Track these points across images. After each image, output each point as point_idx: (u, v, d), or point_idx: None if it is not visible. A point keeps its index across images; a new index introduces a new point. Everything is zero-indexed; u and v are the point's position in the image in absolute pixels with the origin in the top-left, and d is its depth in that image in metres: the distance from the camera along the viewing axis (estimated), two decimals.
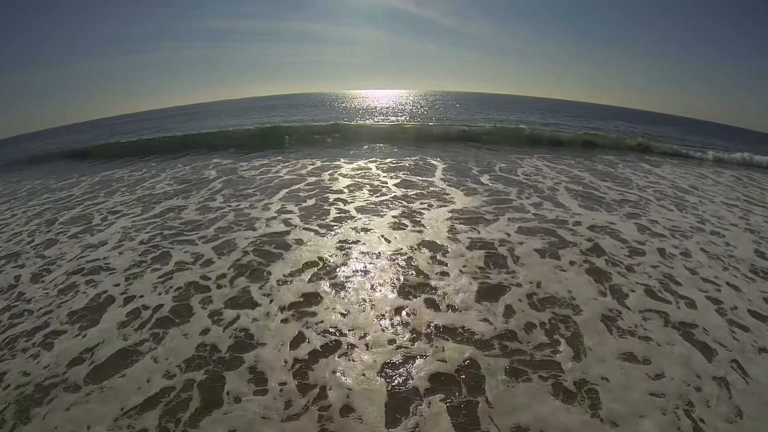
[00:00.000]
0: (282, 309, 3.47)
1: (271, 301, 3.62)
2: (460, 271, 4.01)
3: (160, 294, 3.92)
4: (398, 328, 3.20)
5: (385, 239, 4.70)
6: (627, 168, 10.71)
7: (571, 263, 4.34)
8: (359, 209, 5.78)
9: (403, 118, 21.66)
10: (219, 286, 3.94)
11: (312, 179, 7.74)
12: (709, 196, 8.06)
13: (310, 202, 6.24)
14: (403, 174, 8.02)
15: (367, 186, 7.06)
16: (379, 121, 20.07)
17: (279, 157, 10.81)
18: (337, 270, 4.10)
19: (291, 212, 5.78)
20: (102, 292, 4.06)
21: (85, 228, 6.01)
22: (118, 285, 4.16)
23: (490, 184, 7.36)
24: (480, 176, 7.98)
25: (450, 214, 5.52)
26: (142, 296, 3.90)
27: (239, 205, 6.38)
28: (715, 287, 4.09)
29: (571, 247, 4.71)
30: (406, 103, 44.78)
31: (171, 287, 4.01)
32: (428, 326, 3.21)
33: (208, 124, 26.87)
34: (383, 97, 67.84)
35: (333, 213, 5.64)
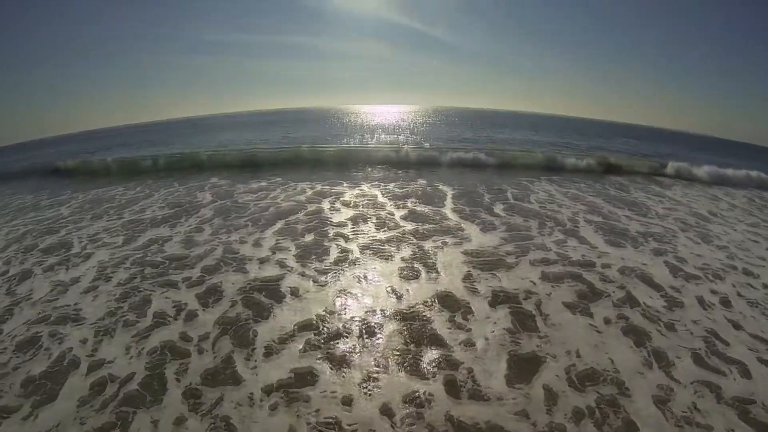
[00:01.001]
0: (269, 391, 2.88)
1: (256, 375, 3.04)
2: (486, 338, 3.41)
3: (131, 358, 3.36)
4: (412, 424, 2.61)
5: (395, 293, 4.09)
6: (639, 191, 10.40)
7: (607, 321, 3.79)
8: (363, 248, 5.21)
9: (407, 138, 21.22)
10: (200, 351, 3.37)
11: (311, 207, 7.20)
12: (729, 223, 7.78)
13: (308, 237, 5.68)
14: (411, 203, 7.48)
15: (373, 218, 6.49)
16: (382, 142, 19.64)
17: (278, 179, 10.32)
18: (337, 337, 3.49)
19: (286, 250, 5.23)
20: (66, 350, 3.51)
21: (62, 259, 5.53)
22: (85, 342, 3.60)
23: (505, 216, 6.81)
24: (493, 205, 7.43)
25: (467, 257, 4.94)
26: (111, 361, 3.33)
27: (229, 237, 5.84)
28: (764, 345, 3.61)
29: (604, 299, 4.16)
30: (409, 120, 44.62)
31: (145, 349, 3.45)
32: (449, 422, 2.62)
33: (211, 138, 26.56)
34: (386, 114, 67.92)
35: (333, 253, 5.07)
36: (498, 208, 7.23)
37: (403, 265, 4.66)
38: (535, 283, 4.37)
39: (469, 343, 3.35)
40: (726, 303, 4.27)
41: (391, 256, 4.95)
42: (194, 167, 12.81)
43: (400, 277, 4.38)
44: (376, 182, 9.51)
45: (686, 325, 3.81)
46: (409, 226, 6.05)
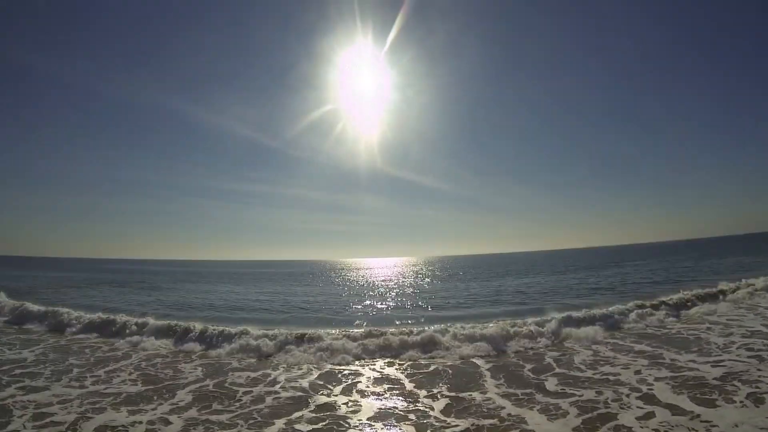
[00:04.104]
0: None
1: None
2: None
3: None
4: None
5: None
6: (674, 321, 9.74)
7: None
8: None
9: (413, 300, 20.00)
10: None
11: (320, 399, 5.63)
12: None
13: None
14: (445, 386, 5.99)
15: (406, 416, 4.92)
16: (387, 305, 18.38)
17: (279, 353, 8.86)
18: None
19: None
20: None
21: None
22: None
23: (566, 391, 5.45)
24: (543, 380, 6.02)
25: None
26: None
27: None
28: None
29: None
30: (407, 275, 44.47)
31: None
32: None
33: (210, 290, 25.52)
34: (385, 268, 68.45)
35: None
36: (550, 384, 5.82)
37: None
38: None
39: None
40: None
41: None
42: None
43: None
44: (390, 358, 7.93)
45: None
46: (457, 426, 4.53)
